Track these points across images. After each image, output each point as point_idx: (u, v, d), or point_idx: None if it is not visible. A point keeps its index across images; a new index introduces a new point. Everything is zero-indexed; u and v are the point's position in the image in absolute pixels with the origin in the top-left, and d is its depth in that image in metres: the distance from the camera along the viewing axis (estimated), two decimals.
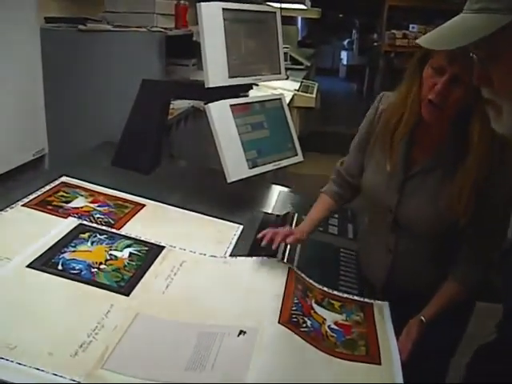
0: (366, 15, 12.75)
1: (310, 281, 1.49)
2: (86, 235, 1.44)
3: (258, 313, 1.25)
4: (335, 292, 1.50)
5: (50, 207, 1.57)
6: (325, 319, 1.35)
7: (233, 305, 1.28)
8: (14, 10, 1.70)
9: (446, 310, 1.38)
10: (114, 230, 1.51)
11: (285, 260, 1.53)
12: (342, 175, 1.67)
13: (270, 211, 1.96)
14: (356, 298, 1.50)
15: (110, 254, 1.38)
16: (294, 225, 1.80)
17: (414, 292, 1.45)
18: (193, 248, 1.51)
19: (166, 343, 1.13)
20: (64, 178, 1.78)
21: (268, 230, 1.52)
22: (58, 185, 1.73)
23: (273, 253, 1.55)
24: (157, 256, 1.43)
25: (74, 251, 1.35)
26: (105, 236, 1.46)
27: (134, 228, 1.56)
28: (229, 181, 1.73)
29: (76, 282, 1.24)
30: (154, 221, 1.66)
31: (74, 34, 2.24)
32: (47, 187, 1.69)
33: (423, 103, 1.31)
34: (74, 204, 1.63)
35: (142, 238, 1.50)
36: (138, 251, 1.43)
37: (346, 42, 14.58)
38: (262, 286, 1.38)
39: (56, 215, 1.53)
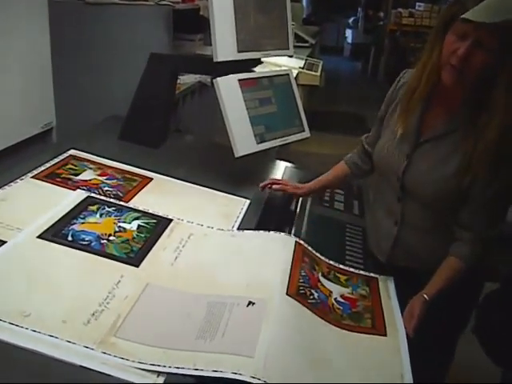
0: None
1: (317, 254, 1.51)
2: (94, 207, 1.45)
3: (266, 285, 1.26)
4: (341, 266, 1.52)
5: (58, 179, 1.59)
6: (331, 292, 1.37)
7: (241, 277, 1.29)
8: None
9: (448, 286, 1.39)
10: (122, 203, 1.52)
11: (292, 235, 1.54)
12: (362, 145, 1.70)
13: None
14: (362, 272, 1.52)
15: (119, 226, 1.39)
16: (300, 201, 1.81)
17: (417, 268, 1.47)
18: (200, 221, 1.52)
19: (176, 312, 1.15)
20: (72, 151, 1.78)
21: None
22: (67, 157, 1.74)
23: (280, 228, 1.57)
24: (165, 228, 1.45)
25: (83, 223, 1.36)
26: (113, 208, 1.47)
27: (143, 201, 1.58)
28: (236, 155, 1.73)
29: (86, 253, 1.25)
30: (162, 194, 1.67)
31: (81, 7, 2.23)
32: (56, 160, 1.70)
33: (445, 68, 1.31)
34: (82, 177, 1.64)
35: (150, 211, 1.51)
36: (147, 223, 1.44)
37: (351, 20, 14.43)
38: (269, 258, 1.39)
39: (65, 187, 1.54)
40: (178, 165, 1.94)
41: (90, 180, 1.63)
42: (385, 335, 1.26)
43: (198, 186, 1.78)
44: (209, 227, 1.51)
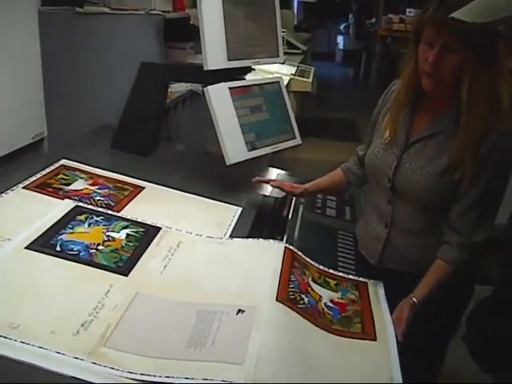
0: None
1: (307, 259, 1.51)
2: (82, 217, 1.44)
3: (255, 292, 1.26)
4: (331, 270, 1.52)
5: (50, 189, 1.58)
6: (321, 296, 1.37)
7: (230, 285, 1.29)
8: None
9: (436, 290, 1.40)
10: (110, 212, 1.51)
11: (284, 242, 1.54)
12: (357, 154, 1.75)
13: (268, 194, 1.97)
14: (351, 276, 1.52)
15: (108, 236, 1.39)
16: (292, 208, 1.81)
17: (407, 270, 1.48)
18: (193, 230, 1.52)
19: (166, 321, 1.15)
20: (63, 161, 1.78)
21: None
22: (58, 167, 1.74)
23: (272, 235, 1.57)
24: (154, 237, 1.44)
25: (71, 233, 1.36)
26: (101, 218, 1.47)
27: (135, 210, 1.57)
28: (228, 163, 1.74)
29: (75, 263, 1.25)
30: (154, 203, 1.67)
31: (72, 17, 2.23)
32: (47, 170, 1.70)
33: (422, 75, 1.39)
34: (73, 186, 1.64)
35: (142, 220, 1.50)
36: (135, 232, 1.44)
37: (342, 27, 14.49)
38: (258, 265, 1.39)
39: (56, 197, 1.54)
40: (169, 173, 1.94)
41: (81, 190, 1.63)
42: (374, 340, 1.26)
43: (189, 195, 1.78)
44: (198, 235, 1.51)
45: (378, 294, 1.47)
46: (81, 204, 1.51)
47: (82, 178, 1.71)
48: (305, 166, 5.13)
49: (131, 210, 1.57)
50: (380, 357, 1.21)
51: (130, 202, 1.63)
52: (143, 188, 1.75)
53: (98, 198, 1.60)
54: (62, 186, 1.62)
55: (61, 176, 1.69)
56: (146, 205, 1.64)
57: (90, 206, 1.52)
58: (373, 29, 11.23)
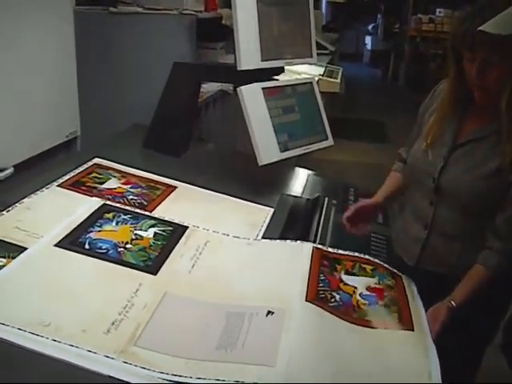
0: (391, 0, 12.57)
1: (339, 251, 1.50)
2: (110, 215, 1.45)
3: (284, 293, 1.26)
4: (367, 256, 1.51)
5: (84, 188, 1.60)
6: (356, 288, 1.35)
7: (259, 286, 1.29)
8: None
9: (474, 295, 1.37)
10: (137, 210, 1.52)
11: (316, 243, 1.53)
12: (401, 156, 1.72)
13: (299, 195, 1.96)
14: (386, 265, 1.51)
15: (136, 234, 1.39)
16: (324, 209, 1.80)
17: (444, 273, 1.46)
18: (225, 230, 1.52)
19: (195, 322, 1.14)
20: (96, 160, 1.80)
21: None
22: (91, 166, 1.75)
23: (304, 236, 1.56)
24: (181, 236, 1.44)
25: (99, 231, 1.37)
26: (129, 216, 1.47)
27: (167, 209, 1.58)
28: (260, 164, 1.73)
29: (103, 261, 1.26)
30: (187, 203, 1.68)
31: (105, 17, 2.25)
32: (80, 168, 1.71)
33: (473, 89, 1.37)
34: (107, 185, 1.65)
35: (173, 219, 1.51)
36: (163, 231, 1.44)
37: (370, 27, 14.37)
38: (286, 266, 1.39)
39: (90, 195, 1.56)
40: (200, 173, 1.94)
41: (114, 188, 1.64)
42: (412, 330, 1.24)
43: (221, 195, 1.78)
44: (224, 234, 1.51)
45: (412, 288, 1.46)
46: (108, 202, 1.52)
47: (115, 176, 1.72)
48: (332, 166, 5.09)
49: (164, 210, 1.58)
50: (417, 348, 1.20)
51: (162, 201, 1.64)
52: (175, 187, 1.75)
53: (131, 196, 1.61)
54: (96, 185, 1.64)
55: (94, 174, 1.70)
56: (178, 204, 1.65)
57: (120, 205, 1.52)
58: (401, 29, 11.12)
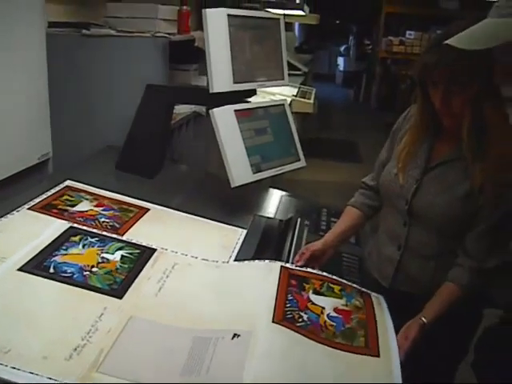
0: (362, 22, 12.81)
1: (308, 269, 1.50)
2: (77, 238, 1.44)
3: (251, 315, 1.25)
4: (334, 277, 1.51)
5: (55, 211, 1.58)
6: (323, 308, 1.35)
7: (225, 309, 1.28)
8: (20, 15, 1.71)
9: (445, 312, 1.39)
10: (104, 233, 1.51)
11: (289, 264, 1.54)
12: (367, 183, 1.71)
13: (272, 216, 1.97)
14: (355, 285, 1.52)
15: (102, 257, 1.38)
16: (296, 230, 1.81)
17: (418, 293, 1.47)
18: (198, 253, 1.52)
19: (160, 347, 1.13)
20: (68, 182, 1.78)
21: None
22: (63, 189, 1.74)
23: (276, 257, 1.57)
24: (148, 258, 1.43)
25: (65, 254, 1.35)
26: (96, 239, 1.46)
27: (139, 232, 1.57)
28: (233, 186, 1.74)
29: (68, 285, 1.24)
30: (159, 225, 1.67)
31: (78, 39, 2.25)
32: (52, 191, 1.70)
33: (440, 114, 1.40)
34: (79, 208, 1.64)
35: (148, 242, 1.50)
36: (130, 254, 1.43)
37: (342, 48, 14.61)
38: (254, 288, 1.39)
39: (61, 219, 1.54)
40: (173, 195, 1.95)
41: (86, 211, 1.63)
42: (377, 356, 1.24)
43: (194, 216, 1.78)
44: (193, 257, 1.50)
45: (381, 305, 1.46)
46: (75, 225, 1.50)
47: (87, 199, 1.71)
48: (306, 186, 5.13)
49: (136, 232, 1.57)
50: (382, 374, 1.20)
51: (135, 223, 1.63)
52: (148, 209, 1.75)
53: (102, 219, 1.60)
54: (67, 208, 1.62)
55: (66, 197, 1.69)
56: (150, 226, 1.64)
57: (88, 228, 1.50)
58: (373, 51, 11.32)
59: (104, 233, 1.51)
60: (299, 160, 2.01)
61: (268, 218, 1.93)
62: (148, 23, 2.50)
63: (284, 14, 2.18)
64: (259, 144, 1.84)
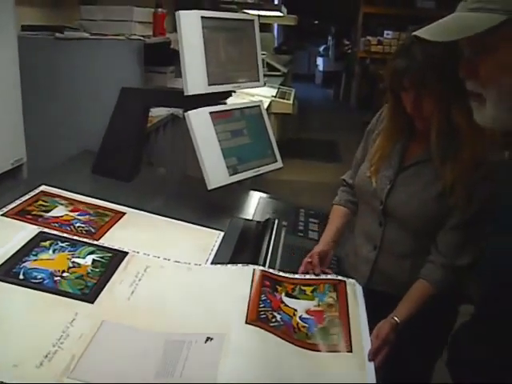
0: (341, 22, 12.87)
1: (280, 273, 1.51)
2: (47, 243, 1.42)
3: (224, 318, 1.25)
4: (307, 276, 1.52)
5: (29, 217, 1.56)
6: (296, 310, 1.36)
7: (198, 312, 1.28)
8: None
9: (418, 310, 1.40)
10: (75, 237, 1.49)
11: (266, 266, 1.54)
12: (347, 181, 1.73)
13: (250, 218, 1.97)
14: (330, 276, 1.52)
15: (73, 262, 1.36)
16: (274, 231, 1.81)
17: (394, 293, 1.48)
18: (175, 256, 1.51)
19: (133, 351, 1.12)
20: (43, 187, 1.76)
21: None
22: (37, 194, 1.72)
23: (254, 259, 1.57)
24: (120, 262, 1.42)
25: (35, 260, 1.33)
26: (67, 243, 1.44)
27: (115, 236, 1.56)
28: (209, 188, 1.74)
29: (39, 292, 1.22)
30: (135, 229, 1.66)
31: (52, 42, 2.23)
32: (26, 196, 1.68)
33: (412, 116, 1.41)
34: (53, 213, 1.62)
35: (123, 247, 1.49)
36: (102, 257, 1.42)
37: (321, 49, 14.66)
38: (226, 291, 1.38)
39: (35, 224, 1.52)
40: (150, 198, 1.93)
41: (61, 216, 1.61)
42: (350, 351, 1.25)
43: (171, 220, 1.77)
44: (165, 259, 1.49)
45: (356, 294, 1.47)
46: (46, 230, 1.48)
47: (62, 204, 1.70)
48: (287, 187, 5.14)
49: (112, 236, 1.56)
50: (355, 369, 1.21)
51: (110, 228, 1.62)
52: (124, 213, 1.74)
53: (78, 224, 1.59)
54: (42, 213, 1.60)
55: (40, 202, 1.67)
56: (126, 231, 1.63)
57: (59, 233, 1.49)
58: (351, 51, 11.39)
59: (75, 237, 1.49)
60: (276, 161, 2.01)
61: (246, 219, 1.92)
62: (123, 26, 2.50)
63: (258, 15, 2.18)
64: (235, 146, 1.84)
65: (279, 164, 2.02)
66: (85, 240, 1.49)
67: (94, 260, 1.39)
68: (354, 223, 1.72)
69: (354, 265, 1.62)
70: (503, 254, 1.01)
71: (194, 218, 1.81)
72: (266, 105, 4.52)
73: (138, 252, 1.48)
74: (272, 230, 1.79)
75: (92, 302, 1.24)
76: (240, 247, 1.67)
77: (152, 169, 2.40)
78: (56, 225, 1.54)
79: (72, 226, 1.56)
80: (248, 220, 1.93)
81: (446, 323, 1.52)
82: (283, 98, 5.33)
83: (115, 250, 1.47)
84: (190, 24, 1.71)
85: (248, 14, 4.60)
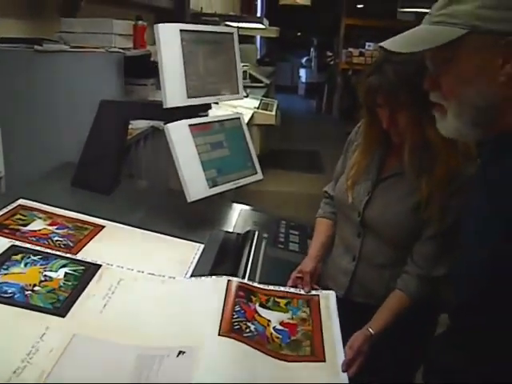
0: (323, 34, 12.99)
1: (255, 284, 1.51)
2: (18, 257, 1.40)
3: (197, 330, 1.25)
4: (281, 288, 1.52)
5: (6, 230, 1.54)
6: (269, 321, 1.36)
7: (171, 325, 1.27)
8: None
9: (394, 321, 1.41)
10: (48, 250, 1.47)
11: (246, 279, 1.53)
12: (329, 194, 1.75)
13: (231, 230, 1.97)
14: (302, 292, 1.52)
15: (45, 275, 1.34)
16: (254, 243, 1.81)
17: (373, 304, 1.49)
18: (154, 269, 1.50)
19: (105, 365, 1.11)
20: (21, 201, 1.75)
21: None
22: (15, 207, 1.70)
23: (234, 271, 1.56)
24: (93, 275, 1.41)
25: (5, 274, 1.31)
26: (39, 257, 1.42)
27: (94, 250, 1.55)
28: (189, 200, 1.73)
29: (8, 306, 1.20)
30: (114, 242, 1.65)
31: (31, 55, 2.21)
32: (4, 210, 1.66)
33: (387, 130, 1.43)
34: (31, 227, 1.60)
35: (101, 261, 1.47)
36: (74, 271, 1.40)
37: (304, 60, 14.77)
38: (199, 303, 1.38)
39: (13, 239, 1.50)
40: (130, 211, 1.92)
41: (39, 230, 1.60)
42: (323, 361, 1.26)
43: (151, 233, 1.76)
44: (139, 271, 1.48)
45: (329, 308, 1.47)
46: (18, 243, 1.46)
47: (40, 218, 1.68)
48: (270, 198, 5.15)
49: (90, 250, 1.54)
50: (328, 380, 1.22)
51: (89, 241, 1.60)
52: (104, 227, 1.72)
53: (56, 238, 1.57)
54: (19, 227, 1.58)
55: (18, 216, 1.65)
56: (105, 244, 1.62)
57: (32, 246, 1.47)
58: (334, 62, 11.49)
59: (48, 250, 1.47)
60: (256, 173, 2.01)
61: (226, 231, 1.92)
62: (103, 38, 2.50)
63: (238, 27, 2.18)
64: (215, 158, 1.84)
65: (259, 176, 2.02)
66: (57, 253, 1.47)
67: (66, 273, 1.38)
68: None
69: (332, 275, 1.63)
70: (478, 262, 1.01)
71: (174, 230, 1.80)
72: (248, 116, 4.54)
73: (111, 264, 1.47)
74: (252, 242, 1.79)
75: (63, 316, 1.22)
76: (220, 259, 1.67)
77: (132, 181, 2.39)
78: (33, 239, 1.53)
79: (50, 240, 1.55)
80: (229, 232, 1.92)
81: (425, 333, 1.53)
82: (266, 110, 5.36)
83: (88, 262, 1.46)
84: (169, 37, 1.71)
85: (230, 26, 4.63)
